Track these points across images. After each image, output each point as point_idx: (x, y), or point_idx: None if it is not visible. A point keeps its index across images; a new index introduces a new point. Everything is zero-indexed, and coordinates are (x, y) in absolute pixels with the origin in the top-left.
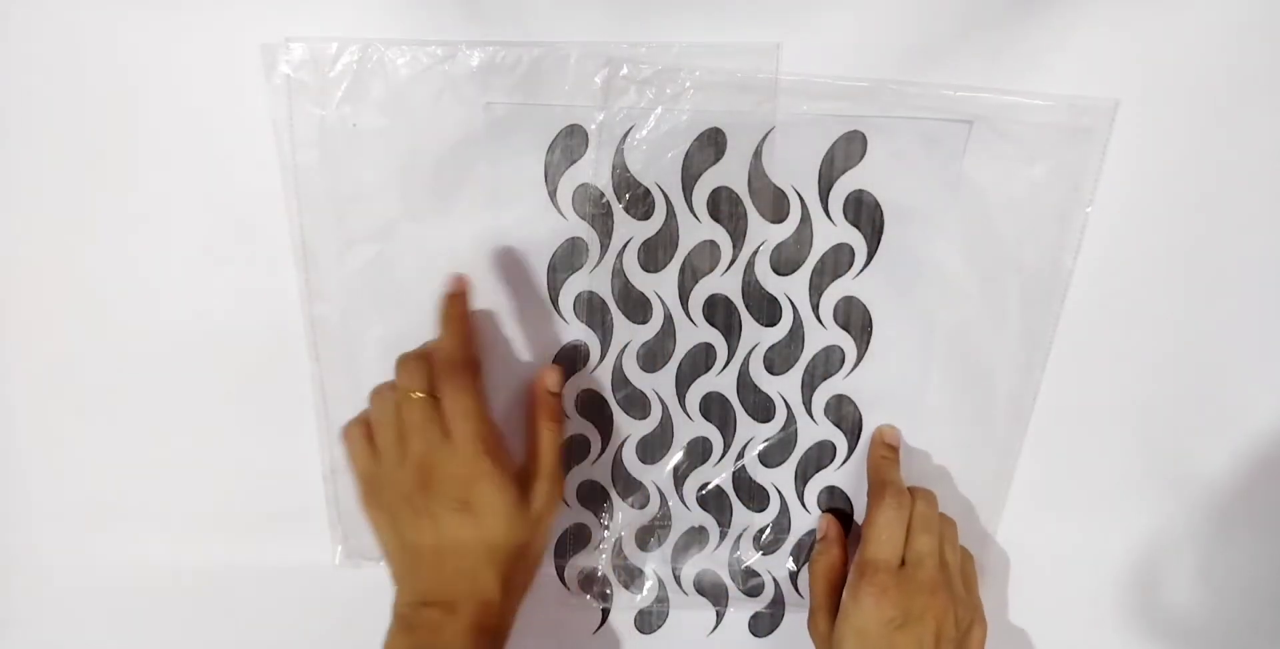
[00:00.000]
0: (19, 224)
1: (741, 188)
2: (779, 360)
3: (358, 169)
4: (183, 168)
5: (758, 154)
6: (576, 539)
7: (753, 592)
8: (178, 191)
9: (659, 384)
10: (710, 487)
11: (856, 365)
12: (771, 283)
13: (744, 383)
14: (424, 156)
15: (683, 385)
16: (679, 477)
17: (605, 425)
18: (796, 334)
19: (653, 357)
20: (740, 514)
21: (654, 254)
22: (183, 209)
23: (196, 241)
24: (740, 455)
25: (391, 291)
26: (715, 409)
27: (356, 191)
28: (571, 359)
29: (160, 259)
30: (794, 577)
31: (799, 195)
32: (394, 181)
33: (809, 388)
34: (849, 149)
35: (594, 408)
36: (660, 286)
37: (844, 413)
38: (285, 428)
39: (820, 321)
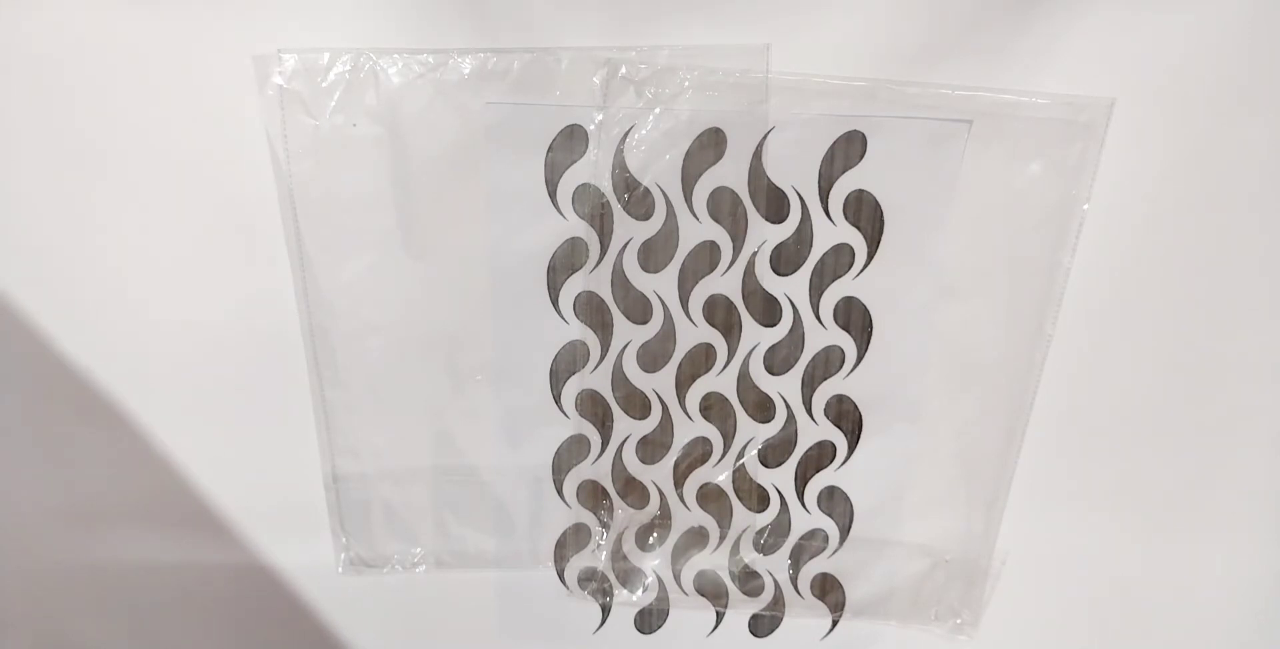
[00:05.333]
0: (18, 232)
1: (741, 188)
2: (779, 360)
3: (353, 177)
4: (179, 180)
5: (757, 154)
6: (576, 539)
7: (752, 592)
8: (175, 203)
9: (659, 384)
10: (710, 486)
11: (856, 365)
12: (771, 283)
13: (744, 383)
14: (420, 162)
15: (683, 385)
16: (679, 477)
17: (605, 425)
18: (796, 334)
19: (653, 357)
20: (740, 514)
21: (654, 254)
22: (180, 220)
23: (195, 252)
24: (740, 455)
25: (390, 299)
26: (715, 409)
27: (353, 200)
28: (571, 359)
29: (159, 269)
30: (794, 578)
31: (799, 195)
32: (390, 188)
33: (809, 388)
34: (849, 149)
35: (594, 408)
36: (660, 286)
37: (844, 413)
38: (286, 436)
39: (820, 322)
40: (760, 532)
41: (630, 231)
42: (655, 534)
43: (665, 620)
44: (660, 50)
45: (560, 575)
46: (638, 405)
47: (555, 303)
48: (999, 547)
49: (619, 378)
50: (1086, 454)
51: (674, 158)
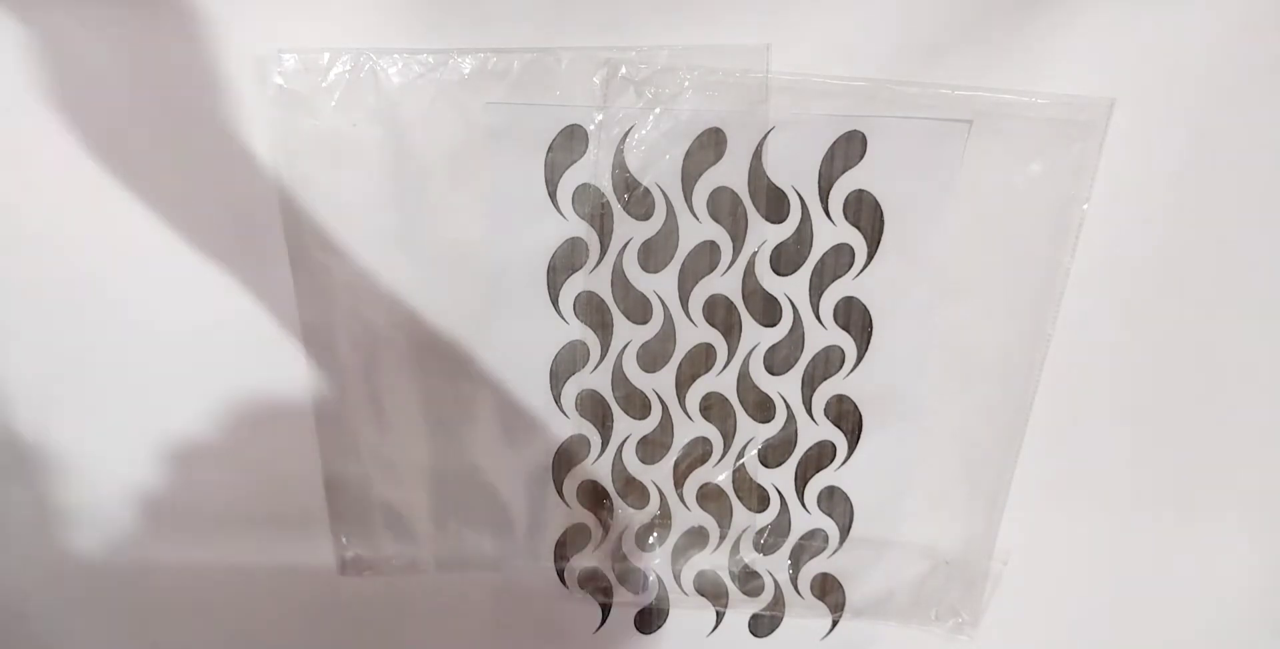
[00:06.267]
0: (16, 232)
1: (741, 188)
2: (779, 360)
3: (353, 177)
4: (178, 179)
5: (757, 154)
6: (576, 539)
7: (752, 592)
8: (174, 203)
9: (659, 384)
10: (710, 486)
11: (856, 365)
12: (771, 283)
13: (744, 383)
14: (420, 162)
15: (683, 385)
16: (679, 477)
17: (605, 425)
18: (796, 334)
19: (653, 357)
20: (740, 514)
21: (654, 254)
22: (180, 220)
23: (194, 251)
24: (740, 455)
25: (390, 299)
26: (715, 409)
27: (353, 200)
28: (571, 359)
29: (158, 269)
30: (794, 578)
31: (799, 195)
32: (390, 188)
33: (809, 388)
34: (849, 149)
35: (594, 408)
36: (660, 286)
37: (844, 413)
38: (286, 436)
39: (820, 322)
40: (760, 532)
41: (630, 231)
42: (655, 534)
43: (665, 620)
44: (660, 50)
45: (560, 575)
46: (638, 405)
47: (555, 303)
48: (999, 547)
49: (619, 378)
50: (1086, 454)
51: (674, 158)
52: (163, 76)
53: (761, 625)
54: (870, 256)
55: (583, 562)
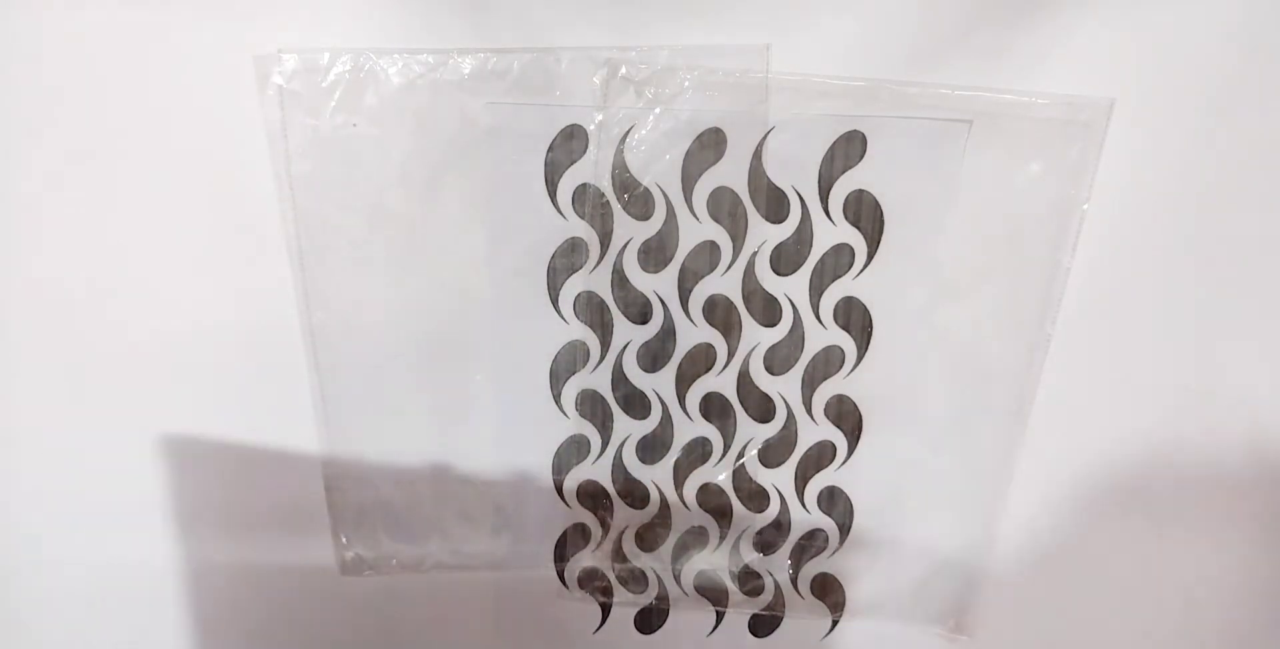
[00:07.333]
0: (18, 232)
1: (741, 188)
2: (779, 360)
3: (353, 177)
4: (179, 179)
5: (757, 154)
6: (576, 539)
7: (753, 592)
8: (175, 203)
9: (659, 384)
10: (710, 486)
11: (856, 365)
12: (771, 283)
13: (744, 383)
14: (420, 162)
15: (683, 385)
16: (679, 477)
17: (605, 425)
18: (796, 334)
19: (653, 357)
20: (740, 514)
21: (654, 254)
22: (181, 221)
23: (196, 251)
24: (740, 455)
25: (390, 298)
26: (715, 409)
27: (353, 199)
28: (571, 359)
29: (160, 268)
30: (794, 578)
31: (799, 195)
32: (390, 188)
33: (809, 388)
34: (849, 149)
35: (594, 408)
36: (660, 286)
37: (844, 413)
38: (286, 436)
39: (820, 322)
40: (760, 532)
41: (630, 231)
42: (655, 534)
43: (665, 620)
44: (660, 50)
45: (560, 575)
46: (638, 405)
47: (555, 303)
48: (999, 547)
49: (619, 378)
50: (1086, 454)
51: (674, 158)
52: (163, 76)
53: (761, 625)
54: (870, 256)
55: (583, 562)
